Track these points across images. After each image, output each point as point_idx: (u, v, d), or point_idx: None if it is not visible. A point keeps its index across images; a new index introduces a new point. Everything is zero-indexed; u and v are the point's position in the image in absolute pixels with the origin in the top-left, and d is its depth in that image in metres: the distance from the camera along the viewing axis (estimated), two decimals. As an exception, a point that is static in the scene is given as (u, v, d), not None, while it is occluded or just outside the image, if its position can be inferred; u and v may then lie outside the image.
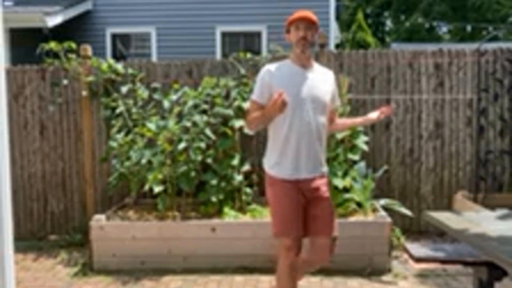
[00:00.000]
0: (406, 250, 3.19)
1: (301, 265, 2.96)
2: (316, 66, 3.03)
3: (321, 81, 2.95)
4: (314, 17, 2.89)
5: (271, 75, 2.89)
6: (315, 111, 2.86)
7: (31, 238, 5.27)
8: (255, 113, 2.86)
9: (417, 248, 3.11)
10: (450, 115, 5.12)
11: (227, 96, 4.85)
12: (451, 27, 23.15)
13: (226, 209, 4.45)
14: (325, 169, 3.00)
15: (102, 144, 5.19)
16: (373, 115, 3.20)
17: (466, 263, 2.91)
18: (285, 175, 2.86)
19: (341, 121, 3.35)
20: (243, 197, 4.60)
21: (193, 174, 4.47)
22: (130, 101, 4.92)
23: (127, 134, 4.72)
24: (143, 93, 4.94)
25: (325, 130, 2.98)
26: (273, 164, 2.90)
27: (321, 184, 2.93)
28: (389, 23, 25.61)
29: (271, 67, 2.96)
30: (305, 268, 3.05)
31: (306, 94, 2.85)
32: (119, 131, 4.74)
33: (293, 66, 2.94)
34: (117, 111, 4.88)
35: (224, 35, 9.58)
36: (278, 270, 2.88)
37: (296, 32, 2.89)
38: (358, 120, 3.38)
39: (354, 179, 4.50)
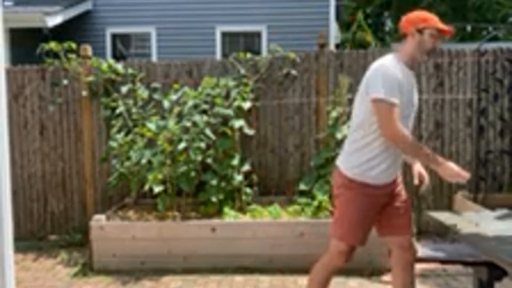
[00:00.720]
0: (406, 250, 3.19)
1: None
2: None
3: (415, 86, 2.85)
4: None
5: (399, 82, 2.64)
6: (412, 118, 2.81)
7: (31, 238, 5.27)
8: (425, 148, 2.75)
9: (417, 248, 3.11)
10: (450, 115, 5.12)
11: (227, 96, 4.85)
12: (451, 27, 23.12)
13: (226, 209, 4.45)
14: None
15: (102, 144, 5.19)
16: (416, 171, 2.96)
17: (466, 263, 2.91)
18: (378, 180, 2.74)
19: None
20: (243, 197, 4.60)
21: (193, 174, 4.47)
22: (130, 101, 4.93)
23: (127, 134, 4.72)
24: (143, 93, 4.94)
25: None
26: (365, 169, 2.72)
27: (397, 184, 2.92)
28: (389, 23, 25.61)
29: (396, 70, 2.67)
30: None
31: (414, 102, 2.80)
32: (119, 131, 4.75)
33: (406, 70, 2.73)
34: (117, 111, 4.89)
35: (224, 35, 9.57)
36: (321, 266, 2.90)
37: (432, 40, 2.71)
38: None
39: (354, 179, 4.49)
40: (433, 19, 2.73)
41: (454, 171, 2.58)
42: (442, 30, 2.72)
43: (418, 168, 2.93)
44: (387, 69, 2.65)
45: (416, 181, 2.87)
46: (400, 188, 2.92)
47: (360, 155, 2.73)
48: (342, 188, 2.80)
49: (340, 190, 2.82)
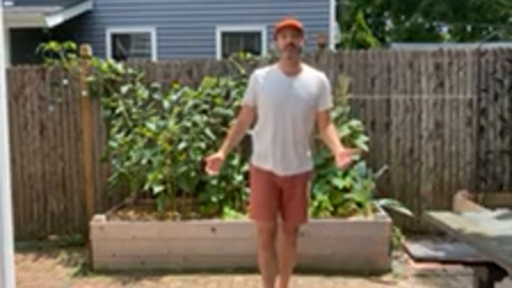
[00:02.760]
0: (406, 250, 3.19)
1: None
2: (306, 71, 3.19)
3: (306, 87, 3.11)
4: (300, 24, 3.09)
5: (257, 82, 3.14)
6: (293, 118, 3.07)
7: (31, 238, 5.27)
8: (228, 135, 3.27)
9: (417, 248, 3.11)
10: (450, 115, 5.12)
11: (227, 96, 4.85)
12: (451, 27, 23.14)
13: (226, 209, 4.45)
14: (303, 168, 3.20)
15: (102, 144, 5.19)
16: (339, 152, 3.01)
17: (466, 263, 2.91)
18: (265, 168, 3.16)
19: (329, 136, 3.17)
20: (243, 197, 4.60)
21: (193, 174, 4.47)
22: (130, 101, 4.93)
23: (127, 134, 4.72)
24: (143, 93, 4.94)
25: (304, 135, 3.18)
26: (256, 157, 3.23)
27: (295, 180, 3.17)
28: (389, 23, 25.61)
29: (261, 72, 3.19)
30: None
31: (286, 101, 3.06)
32: (119, 131, 4.75)
33: (279, 72, 3.14)
34: (117, 111, 4.89)
35: (224, 35, 9.58)
36: (257, 249, 3.29)
37: (283, 39, 3.08)
38: (334, 148, 3.09)
39: (354, 179, 4.50)
40: (280, 23, 3.10)
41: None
42: (281, 27, 3.07)
43: (340, 151, 3.01)
44: (252, 77, 3.21)
45: (339, 164, 2.94)
46: (300, 183, 3.20)
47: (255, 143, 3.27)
48: (250, 176, 3.33)
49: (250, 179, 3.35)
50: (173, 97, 4.79)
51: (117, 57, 9.06)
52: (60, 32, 8.36)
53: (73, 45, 4.96)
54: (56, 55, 5.08)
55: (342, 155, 2.93)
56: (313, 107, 3.13)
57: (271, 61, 5.10)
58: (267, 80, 3.12)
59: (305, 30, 3.14)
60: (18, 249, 4.32)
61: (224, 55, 9.01)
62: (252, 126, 3.34)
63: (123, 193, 5.09)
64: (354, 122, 4.71)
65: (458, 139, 5.12)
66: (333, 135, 3.16)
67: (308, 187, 3.31)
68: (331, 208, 4.41)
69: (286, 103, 3.05)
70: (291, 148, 3.10)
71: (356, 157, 4.65)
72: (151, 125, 4.49)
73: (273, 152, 3.10)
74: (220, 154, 3.15)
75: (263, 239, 3.21)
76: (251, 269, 4.05)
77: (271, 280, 3.30)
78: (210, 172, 3.13)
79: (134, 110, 4.89)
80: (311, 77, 3.16)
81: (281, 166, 3.12)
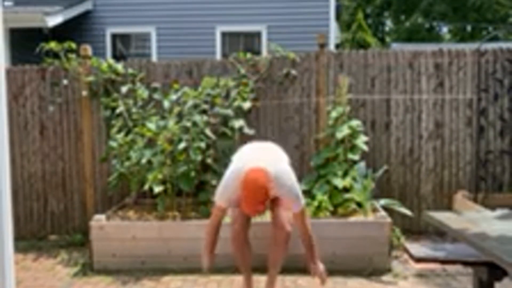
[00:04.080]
0: (406, 250, 3.19)
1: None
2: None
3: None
4: (261, 206, 3.13)
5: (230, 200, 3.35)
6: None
7: (31, 238, 5.27)
8: (209, 239, 3.43)
9: (417, 248, 3.11)
10: (450, 115, 5.12)
11: (227, 96, 4.85)
12: (451, 27, 23.15)
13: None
14: None
15: (102, 144, 5.19)
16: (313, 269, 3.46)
17: (466, 263, 2.91)
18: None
19: (303, 238, 3.49)
20: (243, 197, 4.59)
21: (193, 174, 4.47)
22: (130, 101, 4.93)
23: (127, 134, 4.72)
24: (143, 93, 4.94)
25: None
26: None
27: None
28: (389, 23, 25.62)
29: (231, 197, 3.33)
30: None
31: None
32: (119, 131, 4.74)
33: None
34: (117, 111, 4.88)
35: (224, 35, 9.58)
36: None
37: (245, 208, 3.19)
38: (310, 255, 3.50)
39: (354, 179, 4.50)
40: (244, 199, 3.14)
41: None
42: (244, 198, 3.14)
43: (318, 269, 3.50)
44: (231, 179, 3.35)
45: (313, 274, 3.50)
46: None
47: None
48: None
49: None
50: (173, 97, 4.79)
51: (117, 57, 9.07)
52: (60, 32, 8.37)
53: (73, 45, 4.96)
54: (56, 55, 5.08)
55: (318, 273, 3.41)
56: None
57: (271, 62, 5.11)
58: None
59: (271, 188, 3.16)
60: (18, 249, 4.33)
61: (224, 55, 9.01)
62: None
63: (123, 193, 5.09)
64: (354, 122, 4.71)
65: (458, 139, 5.13)
66: (307, 241, 3.47)
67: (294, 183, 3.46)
68: (331, 208, 4.41)
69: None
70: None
71: (356, 157, 4.65)
72: (151, 125, 4.49)
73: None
74: (211, 255, 3.43)
75: (235, 227, 3.42)
76: (251, 269, 4.04)
77: (246, 266, 3.56)
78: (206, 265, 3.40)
79: (134, 110, 4.89)
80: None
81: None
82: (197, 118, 4.51)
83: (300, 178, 4.86)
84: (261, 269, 3.93)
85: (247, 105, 4.79)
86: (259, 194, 3.09)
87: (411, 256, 3.02)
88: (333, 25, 9.76)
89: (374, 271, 4.05)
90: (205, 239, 3.46)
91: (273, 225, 3.47)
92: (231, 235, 3.48)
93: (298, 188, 3.40)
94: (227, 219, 4.29)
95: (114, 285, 3.99)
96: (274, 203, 3.41)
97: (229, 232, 3.49)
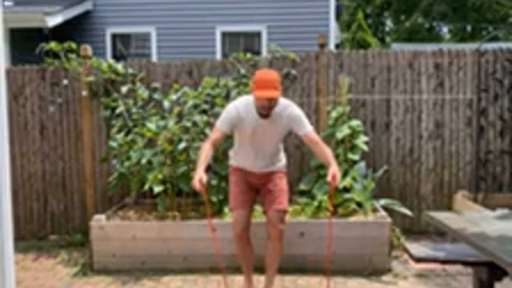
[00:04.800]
0: (406, 250, 3.19)
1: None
2: (277, 110, 3.40)
3: (278, 123, 3.44)
4: (275, 92, 3.30)
5: (238, 117, 3.41)
6: (268, 146, 3.53)
7: (31, 238, 5.27)
8: (202, 157, 3.39)
9: (417, 248, 3.11)
10: (450, 115, 5.12)
11: (227, 96, 4.85)
12: (451, 27, 23.14)
13: (226, 209, 4.45)
14: (277, 166, 3.65)
15: (102, 144, 5.19)
16: (331, 171, 3.32)
17: (466, 263, 2.91)
18: (242, 167, 3.62)
19: (323, 156, 3.45)
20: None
21: (193, 174, 4.46)
22: (130, 101, 4.92)
23: (127, 134, 4.72)
24: (143, 93, 4.94)
25: (278, 148, 3.65)
26: (234, 161, 3.69)
27: (270, 174, 3.59)
28: (389, 23, 25.61)
29: (240, 108, 3.43)
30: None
31: (262, 138, 3.46)
32: (119, 131, 4.74)
33: (255, 114, 3.39)
34: (117, 111, 4.88)
35: (224, 35, 9.57)
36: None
37: (259, 101, 3.31)
38: (328, 166, 3.39)
39: (354, 179, 4.50)
40: (258, 83, 3.29)
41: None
42: (257, 87, 3.28)
43: (333, 169, 3.30)
44: (231, 109, 3.47)
45: (328, 178, 3.28)
46: (275, 178, 3.59)
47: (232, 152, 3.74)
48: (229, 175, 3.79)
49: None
50: (173, 97, 4.79)
51: (117, 57, 9.06)
52: (60, 32, 8.37)
53: (73, 45, 4.96)
54: (56, 55, 5.08)
55: (333, 176, 3.25)
56: (285, 134, 3.59)
57: (270, 62, 5.11)
58: (246, 118, 3.41)
59: (280, 85, 3.38)
60: (18, 249, 4.33)
61: (224, 55, 9.00)
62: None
63: (123, 193, 5.09)
64: (354, 122, 4.71)
65: (458, 139, 5.13)
66: (328, 155, 3.42)
67: (284, 181, 3.65)
68: (331, 208, 4.41)
69: (261, 139, 3.47)
70: (267, 158, 3.58)
71: (356, 157, 4.65)
72: (151, 125, 4.49)
73: (251, 164, 3.58)
74: (203, 174, 3.33)
75: (236, 230, 3.53)
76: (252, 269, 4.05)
77: (247, 265, 3.67)
78: (197, 187, 3.32)
79: (134, 110, 4.89)
80: (281, 112, 3.42)
81: (258, 169, 3.58)
82: (197, 118, 4.51)
83: (300, 178, 4.88)
84: (261, 269, 3.93)
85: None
86: (271, 75, 3.35)
87: (411, 256, 3.02)
88: (333, 25, 9.75)
89: (374, 271, 4.05)
90: (199, 156, 3.45)
91: (266, 223, 3.57)
92: (234, 238, 3.58)
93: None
94: (227, 219, 4.29)
95: (114, 285, 3.99)
96: (265, 197, 3.58)
97: (232, 234, 3.59)
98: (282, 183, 3.62)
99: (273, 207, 3.52)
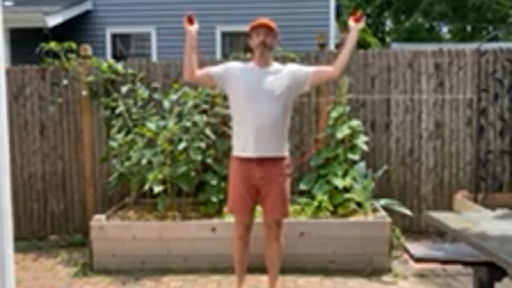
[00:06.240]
0: (406, 250, 3.19)
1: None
2: (275, 66, 3.42)
3: (277, 77, 3.34)
4: (272, 24, 3.35)
5: (235, 69, 3.39)
6: (269, 104, 3.27)
7: (31, 238, 5.27)
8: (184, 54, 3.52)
9: (417, 248, 3.11)
10: (450, 115, 5.12)
11: (227, 96, 4.83)
12: (451, 27, 23.14)
13: (226, 209, 4.45)
14: (279, 153, 3.37)
15: (102, 144, 5.19)
16: (352, 28, 3.35)
17: (466, 263, 2.91)
18: (244, 157, 3.33)
19: (340, 60, 3.36)
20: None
21: (193, 174, 4.47)
22: (130, 101, 4.92)
23: (127, 134, 4.72)
24: (143, 93, 4.94)
25: (282, 123, 3.35)
26: (237, 147, 3.41)
27: (271, 175, 3.33)
28: (389, 23, 25.61)
29: (237, 64, 3.47)
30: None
31: (260, 89, 3.28)
32: (119, 131, 4.74)
33: (254, 67, 3.38)
34: (117, 111, 4.88)
35: (224, 35, 9.58)
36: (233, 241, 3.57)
37: (257, 37, 3.33)
38: (349, 42, 3.36)
39: (354, 179, 4.50)
40: (254, 22, 3.36)
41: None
42: (255, 26, 3.33)
43: (351, 31, 3.37)
44: (229, 63, 3.50)
45: (351, 21, 3.38)
46: (277, 179, 3.36)
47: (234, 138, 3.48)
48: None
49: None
50: (173, 97, 4.79)
51: (117, 57, 9.06)
52: (60, 32, 8.37)
53: (73, 45, 4.96)
54: (56, 55, 5.08)
55: (353, 19, 3.33)
56: (287, 91, 3.32)
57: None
58: (243, 72, 3.36)
59: (278, 31, 3.43)
60: (18, 249, 4.33)
61: (224, 55, 9.01)
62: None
63: (123, 193, 5.09)
64: (354, 122, 4.71)
65: (458, 139, 5.13)
66: (342, 54, 3.35)
67: (287, 184, 3.43)
68: (331, 208, 4.41)
69: (260, 91, 3.28)
70: (269, 135, 3.28)
71: (356, 157, 4.65)
72: (151, 125, 4.49)
73: (254, 138, 3.26)
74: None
75: (239, 231, 3.49)
76: (252, 269, 4.05)
77: (241, 265, 3.56)
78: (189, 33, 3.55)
79: (134, 110, 4.89)
80: (282, 67, 3.43)
81: (260, 148, 3.27)
82: (197, 118, 4.51)
83: (300, 178, 4.88)
84: (261, 269, 3.93)
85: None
86: (268, 20, 3.34)
87: (411, 256, 3.02)
88: (333, 25, 9.76)
89: (374, 271, 4.05)
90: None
91: (264, 224, 3.50)
92: (234, 237, 3.54)
93: None
94: (227, 219, 4.29)
95: (114, 285, 3.99)
96: (265, 201, 3.40)
97: (234, 231, 3.57)
98: (284, 187, 3.39)
99: (273, 216, 3.39)
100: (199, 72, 3.43)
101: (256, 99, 3.27)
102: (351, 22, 3.36)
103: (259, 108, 3.25)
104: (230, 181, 3.51)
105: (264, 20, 3.36)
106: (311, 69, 3.43)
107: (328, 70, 3.41)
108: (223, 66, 3.44)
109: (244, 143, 3.31)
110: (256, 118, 3.24)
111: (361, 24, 3.36)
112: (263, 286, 3.80)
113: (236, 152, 3.41)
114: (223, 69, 3.41)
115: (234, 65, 3.46)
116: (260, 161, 3.30)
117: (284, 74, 3.36)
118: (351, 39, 3.33)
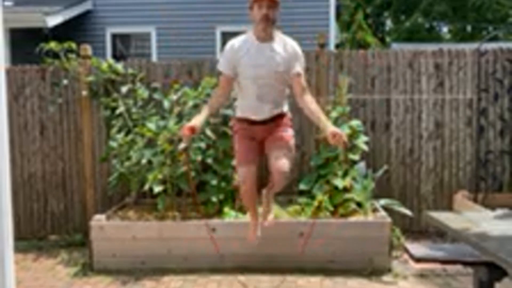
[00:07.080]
0: (406, 250, 3.19)
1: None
2: (279, 38, 3.38)
3: (278, 51, 3.32)
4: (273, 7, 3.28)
5: (235, 53, 3.34)
6: (270, 79, 3.32)
7: (31, 238, 5.27)
8: (209, 102, 3.51)
9: (417, 248, 3.11)
10: (450, 115, 5.12)
11: (227, 96, 4.84)
12: (451, 27, 23.14)
13: (226, 209, 4.45)
14: (282, 111, 3.51)
15: (102, 144, 5.19)
16: (329, 132, 3.10)
17: (466, 263, 2.91)
18: (246, 117, 3.46)
19: (311, 109, 3.31)
20: (243, 197, 4.59)
21: (193, 174, 4.47)
22: (130, 101, 4.92)
23: (127, 134, 4.72)
24: (143, 93, 4.94)
25: (282, 94, 3.48)
26: (239, 111, 3.54)
27: (273, 125, 3.46)
28: (389, 23, 25.61)
29: (236, 42, 3.39)
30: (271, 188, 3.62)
31: (263, 66, 3.28)
32: (119, 131, 4.74)
33: (254, 42, 3.33)
34: (117, 111, 4.88)
35: (224, 35, 9.57)
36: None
37: (259, 10, 3.25)
38: (322, 123, 3.23)
39: (354, 179, 4.50)
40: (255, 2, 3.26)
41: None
42: (256, 5, 3.24)
43: (330, 129, 3.12)
44: (227, 47, 3.43)
45: (331, 140, 3.09)
46: (280, 131, 3.47)
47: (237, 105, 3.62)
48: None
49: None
50: (173, 97, 4.79)
51: (117, 57, 9.07)
52: (60, 32, 8.37)
53: (73, 45, 4.96)
54: (56, 55, 5.07)
55: (334, 134, 3.05)
56: (285, 70, 3.33)
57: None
58: (244, 50, 3.33)
59: (279, 1, 3.34)
60: (18, 249, 4.33)
61: (224, 55, 9.00)
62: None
63: (123, 193, 5.09)
64: (354, 122, 4.71)
65: (458, 139, 5.13)
66: (317, 110, 3.30)
67: (290, 133, 3.50)
68: (331, 208, 4.41)
69: (262, 67, 3.28)
70: (271, 103, 3.40)
71: (356, 157, 4.65)
72: (151, 125, 4.49)
73: (255, 109, 3.40)
74: (197, 124, 3.28)
75: (245, 188, 3.46)
76: (252, 269, 4.06)
77: (253, 205, 3.61)
78: (184, 131, 3.25)
79: (134, 110, 4.88)
80: (283, 43, 3.36)
81: (262, 115, 3.42)
82: (197, 118, 4.50)
83: (300, 178, 4.88)
84: (261, 269, 3.94)
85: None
86: None
87: (411, 256, 3.02)
88: (333, 25, 9.76)
89: (374, 271, 4.05)
90: (208, 104, 3.50)
91: (271, 172, 3.44)
92: (241, 194, 3.59)
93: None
94: (227, 219, 4.29)
95: (114, 285, 3.99)
96: (270, 148, 3.43)
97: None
98: (288, 136, 3.47)
99: (277, 169, 3.35)
100: (226, 88, 3.46)
101: (258, 74, 3.30)
102: (331, 137, 3.10)
103: (262, 81, 3.31)
104: (234, 141, 3.59)
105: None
106: (300, 71, 3.38)
107: (297, 92, 3.36)
108: (225, 59, 3.40)
109: (248, 110, 3.45)
110: (259, 92, 3.33)
111: (338, 143, 3.14)
112: (262, 286, 3.80)
113: (239, 113, 3.54)
114: (228, 60, 3.38)
115: (234, 48, 3.37)
116: (263, 122, 3.45)
117: (287, 49, 3.34)
118: (324, 126, 3.20)
